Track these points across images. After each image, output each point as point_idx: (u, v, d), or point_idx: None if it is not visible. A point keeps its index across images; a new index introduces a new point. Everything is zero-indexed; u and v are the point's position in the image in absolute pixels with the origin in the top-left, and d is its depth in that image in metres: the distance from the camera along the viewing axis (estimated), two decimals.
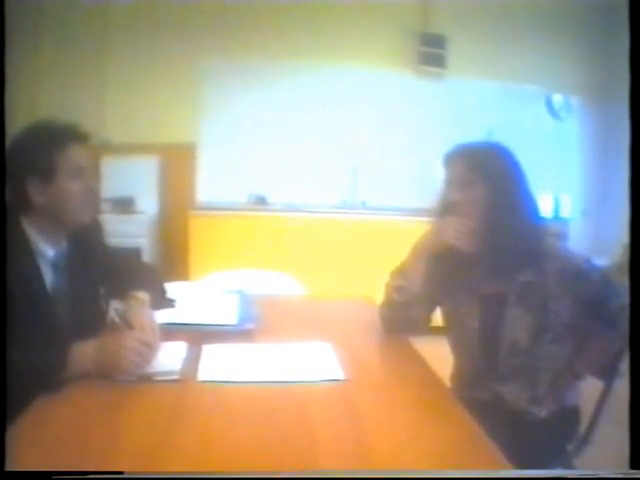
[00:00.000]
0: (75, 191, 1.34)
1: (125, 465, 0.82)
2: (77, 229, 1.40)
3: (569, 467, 1.42)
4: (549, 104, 5.04)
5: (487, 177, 1.41)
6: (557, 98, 5.04)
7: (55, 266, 1.36)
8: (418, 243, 1.49)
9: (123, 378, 1.14)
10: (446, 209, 1.44)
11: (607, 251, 3.23)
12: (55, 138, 1.34)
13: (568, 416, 1.48)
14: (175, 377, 1.17)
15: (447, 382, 1.44)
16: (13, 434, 0.90)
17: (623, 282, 1.15)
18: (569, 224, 4.70)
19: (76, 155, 1.35)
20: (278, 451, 0.89)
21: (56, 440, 0.91)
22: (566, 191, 4.90)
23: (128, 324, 1.26)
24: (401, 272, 1.50)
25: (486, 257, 1.41)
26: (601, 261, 1.60)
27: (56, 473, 0.78)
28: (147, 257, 3.89)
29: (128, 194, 4.22)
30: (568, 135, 5.09)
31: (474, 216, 1.40)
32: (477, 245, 1.40)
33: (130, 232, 3.91)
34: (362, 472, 0.85)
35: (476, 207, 1.40)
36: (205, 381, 1.16)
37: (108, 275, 1.51)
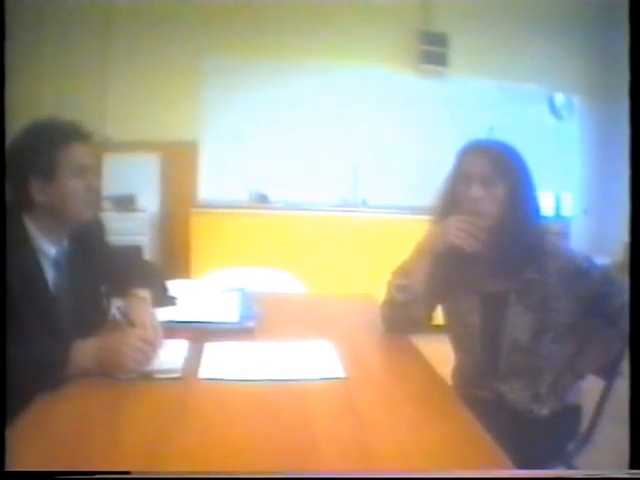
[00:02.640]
0: (77, 189, 1.34)
1: (126, 463, 0.82)
2: (78, 227, 1.40)
3: (570, 466, 1.42)
4: (551, 103, 5.04)
5: (508, 176, 1.40)
6: (559, 97, 5.04)
7: (56, 264, 1.36)
8: (421, 243, 1.48)
9: (124, 376, 1.14)
10: (460, 204, 1.43)
11: (608, 250, 3.24)
12: (57, 136, 1.34)
13: (570, 415, 1.48)
14: (176, 375, 1.17)
15: (448, 380, 1.44)
16: (13, 433, 0.90)
17: (625, 281, 1.15)
18: (570, 223, 4.71)
19: (78, 153, 1.35)
20: (279, 449, 0.89)
21: (57, 439, 0.91)
22: (567, 190, 4.90)
23: (129, 322, 1.26)
24: (403, 271, 1.50)
25: (490, 256, 1.41)
26: (602, 260, 1.60)
27: (59, 473, 0.78)
28: (148, 255, 3.89)
29: (129, 192, 4.22)
30: (569, 134, 5.09)
31: (490, 214, 1.40)
32: (482, 244, 1.40)
33: (131, 230, 3.92)
34: (363, 473, 0.85)
35: (494, 205, 1.40)
36: (206, 379, 1.16)
37: (109, 273, 1.51)
